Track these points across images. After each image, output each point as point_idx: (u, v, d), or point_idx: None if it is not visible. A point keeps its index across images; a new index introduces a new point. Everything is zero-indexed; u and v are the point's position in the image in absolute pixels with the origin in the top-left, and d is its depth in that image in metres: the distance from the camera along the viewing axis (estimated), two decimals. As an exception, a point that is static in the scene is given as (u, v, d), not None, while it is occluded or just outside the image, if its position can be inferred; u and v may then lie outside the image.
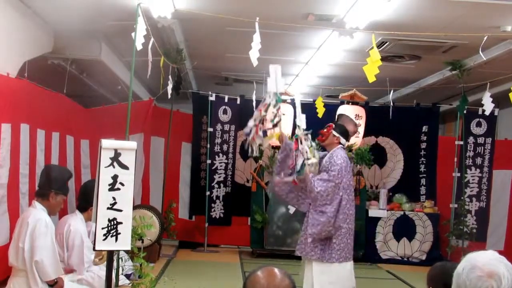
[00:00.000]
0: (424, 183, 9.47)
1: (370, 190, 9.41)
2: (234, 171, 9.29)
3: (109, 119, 7.73)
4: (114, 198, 4.08)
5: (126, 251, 5.09)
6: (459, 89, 8.45)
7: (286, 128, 5.23)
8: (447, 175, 9.07)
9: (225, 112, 9.08)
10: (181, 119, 9.32)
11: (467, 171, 8.83)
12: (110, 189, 4.07)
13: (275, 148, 8.18)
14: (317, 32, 6.94)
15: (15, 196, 5.52)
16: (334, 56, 8.34)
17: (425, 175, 9.46)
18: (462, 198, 8.71)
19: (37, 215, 4.65)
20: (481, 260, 1.88)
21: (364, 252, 8.75)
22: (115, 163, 4.09)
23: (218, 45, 8.01)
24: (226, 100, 9.11)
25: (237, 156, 9.36)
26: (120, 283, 5.40)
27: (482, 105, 7.64)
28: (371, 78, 5.06)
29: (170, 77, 7.45)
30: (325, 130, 5.40)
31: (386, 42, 7.28)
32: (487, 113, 7.76)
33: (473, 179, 8.87)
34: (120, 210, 4.10)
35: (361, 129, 8.83)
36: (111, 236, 4.08)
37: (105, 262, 4.53)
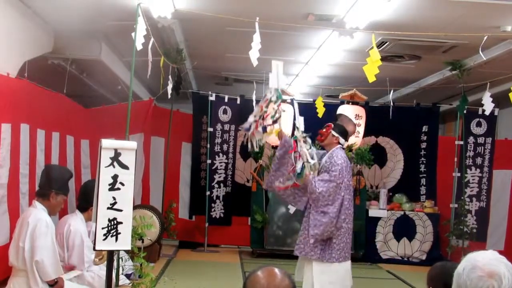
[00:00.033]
0: (424, 183, 9.47)
1: (370, 190, 9.41)
2: (234, 171, 9.29)
3: (109, 119, 7.73)
4: (114, 198, 4.08)
5: (126, 251, 5.10)
6: (459, 89, 8.45)
7: (285, 126, 5.22)
8: (447, 175, 9.07)
9: (225, 112, 9.08)
10: (181, 119, 9.32)
11: (467, 171, 8.83)
12: (110, 189, 4.07)
13: (275, 148, 8.17)
14: (317, 32, 6.94)
15: (15, 196, 5.52)
16: (334, 56, 8.34)
17: (425, 175, 9.46)
18: (462, 198, 8.71)
19: (37, 215, 4.65)
20: (481, 260, 1.88)
21: (364, 252, 8.76)
22: (115, 163, 4.09)
23: (218, 45, 8.01)
24: (226, 100, 9.11)
25: (237, 156, 9.36)
26: (120, 283, 5.40)
27: (482, 105, 7.64)
28: (371, 78, 5.06)
29: (170, 77, 7.45)
30: (324, 130, 5.40)
31: (386, 42, 7.27)
32: (487, 113, 7.76)
33: (473, 179, 8.87)
34: (120, 210, 4.10)
35: (361, 129, 8.83)
36: (111, 236, 4.08)
37: (105, 262, 4.54)
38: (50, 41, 6.92)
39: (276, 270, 1.97)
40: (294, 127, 5.21)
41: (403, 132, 9.44)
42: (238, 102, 9.13)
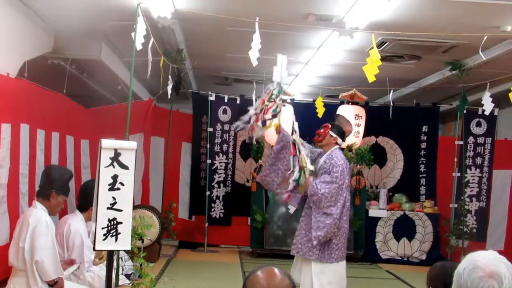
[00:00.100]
0: (424, 183, 9.47)
1: (370, 190, 9.41)
2: (234, 171, 9.29)
3: (109, 119, 7.72)
4: (114, 198, 4.08)
5: (126, 251, 5.10)
6: (459, 89, 8.45)
7: (284, 123, 5.20)
8: (447, 175, 9.07)
9: (225, 112, 9.08)
10: (181, 119, 9.32)
11: (467, 171, 8.83)
12: (110, 189, 4.08)
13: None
14: (317, 32, 6.94)
15: (15, 196, 5.52)
16: (334, 56, 8.34)
17: (425, 175, 9.46)
18: (462, 198, 8.71)
19: (38, 215, 4.65)
20: (482, 260, 1.88)
21: (364, 252, 8.76)
22: (115, 163, 4.09)
23: (218, 45, 8.01)
24: (226, 100, 9.11)
25: (237, 156, 9.36)
26: (120, 283, 5.40)
27: (482, 105, 7.64)
28: (371, 78, 5.06)
29: (170, 77, 7.45)
30: (322, 130, 5.39)
31: (386, 42, 7.28)
32: (487, 113, 7.76)
33: (473, 179, 8.87)
34: (120, 210, 4.10)
35: (361, 129, 8.84)
36: (111, 236, 4.08)
37: (105, 262, 4.54)
38: (50, 41, 6.92)
39: (276, 270, 1.97)
40: (292, 130, 5.19)
41: (403, 132, 9.44)
42: (238, 102, 9.13)
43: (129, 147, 4.18)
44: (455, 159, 8.91)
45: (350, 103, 8.93)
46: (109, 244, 4.10)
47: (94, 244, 4.16)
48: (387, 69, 7.73)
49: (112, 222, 4.08)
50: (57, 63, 7.68)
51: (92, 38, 7.42)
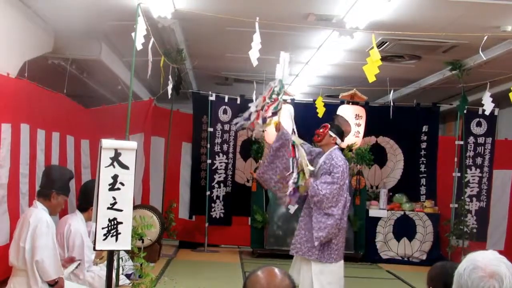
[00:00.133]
0: (424, 183, 9.47)
1: (370, 190, 9.41)
2: (234, 171, 9.30)
3: (109, 119, 7.73)
4: (114, 198, 4.09)
5: (127, 251, 5.10)
6: (459, 89, 8.45)
7: (284, 122, 5.20)
8: (447, 175, 9.07)
9: (225, 112, 9.08)
10: (181, 119, 9.32)
11: (467, 171, 8.83)
12: (110, 189, 4.08)
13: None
14: (317, 32, 6.94)
15: (15, 196, 5.52)
16: (334, 56, 8.34)
17: (425, 175, 9.46)
18: (462, 198, 8.71)
19: (38, 215, 4.65)
20: (482, 260, 1.88)
21: (364, 252, 8.76)
22: (115, 163, 4.09)
23: (218, 45, 8.01)
24: (226, 100, 9.11)
25: (237, 156, 9.36)
26: (120, 283, 5.41)
27: (482, 105, 7.64)
28: (371, 78, 5.06)
29: (170, 77, 7.45)
30: (321, 130, 5.38)
31: (386, 42, 7.28)
32: (487, 113, 7.76)
33: (473, 179, 8.87)
34: (120, 210, 4.10)
35: (361, 129, 8.84)
36: (111, 236, 4.09)
37: (105, 262, 4.54)
38: (50, 41, 6.92)
39: (276, 270, 1.97)
40: (292, 130, 5.19)
41: (403, 132, 9.44)
42: (238, 102, 9.13)
43: (129, 147, 4.18)
44: (455, 159, 8.91)
45: (350, 103, 8.93)
46: (109, 244, 4.10)
47: (94, 244, 4.16)
48: (387, 69, 7.73)
49: (112, 222, 4.08)
50: (57, 63, 7.69)
51: (92, 38, 7.42)
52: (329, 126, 5.39)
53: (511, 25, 6.16)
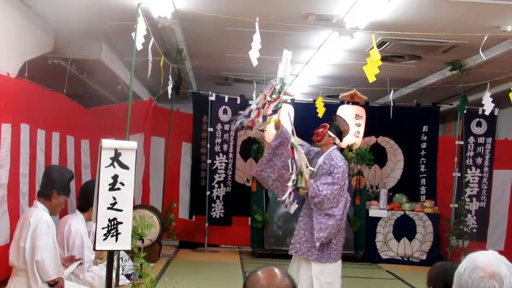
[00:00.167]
0: (424, 183, 9.47)
1: (370, 190, 9.41)
2: (234, 171, 9.30)
3: (109, 119, 7.73)
4: (114, 198, 4.09)
5: (127, 251, 5.10)
6: (459, 89, 8.45)
7: (283, 121, 5.20)
8: (447, 175, 9.07)
9: (225, 112, 9.08)
10: (181, 119, 9.32)
11: (467, 171, 8.83)
12: (110, 189, 4.08)
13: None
14: (317, 32, 6.94)
15: (15, 196, 5.52)
16: (334, 56, 8.34)
17: (425, 175, 9.46)
18: (462, 198, 8.71)
19: (39, 215, 4.65)
20: (482, 261, 1.88)
21: (364, 252, 8.76)
22: (115, 163, 4.10)
23: (218, 45, 8.01)
24: (226, 100, 9.11)
25: (237, 156, 9.36)
26: (120, 283, 5.41)
27: (482, 105, 7.64)
28: (371, 78, 5.06)
29: (170, 77, 7.45)
30: (320, 130, 5.38)
31: (386, 42, 7.28)
32: (487, 113, 7.76)
33: (473, 179, 8.87)
34: (121, 210, 4.10)
35: (361, 129, 8.83)
36: (111, 236, 4.09)
37: (105, 262, 4.54)
38: (50, 41, 6.92)
39: (276, 270, 1.97)
40: (291, 131, 5.18)
41: (403, 132, 9.44)
42: (238, 102, 9.13)
43: (129, 147, 4.19)
44: (456, 159, 8.91)
45: (350, 103, 8.93)
46: (109, 244, 4.10)
47: (94, 244, 4.16)
48: (387, 69, 7.73)
49: (112, 222, 4.08)
50: (57, 63, 7.69)
51: (92, 38, 7.42)
52: (328, 126, 5.38)
53: (511, 25, 6.16)
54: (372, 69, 5.02)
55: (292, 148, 4.95)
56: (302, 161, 4.97)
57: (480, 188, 8.89)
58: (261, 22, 5.32)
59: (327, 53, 8.01)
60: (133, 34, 5.09)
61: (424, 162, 9.45)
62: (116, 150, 4.09)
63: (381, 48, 7.26)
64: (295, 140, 5.01)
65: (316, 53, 8.09)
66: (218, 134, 9.04)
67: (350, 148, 8.60)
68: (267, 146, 8.58)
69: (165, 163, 9.13)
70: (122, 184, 4.09)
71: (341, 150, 8.07)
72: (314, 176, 5.24)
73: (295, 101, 9.23)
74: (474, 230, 8.77)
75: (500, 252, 1.95)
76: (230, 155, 9.17)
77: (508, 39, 6.72)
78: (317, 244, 5.08)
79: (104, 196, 4.07)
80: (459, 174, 8.89)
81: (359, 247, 8.71)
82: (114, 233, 4.08)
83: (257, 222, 8.59)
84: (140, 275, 5.26)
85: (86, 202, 5.42)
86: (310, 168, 5.04)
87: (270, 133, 7.15)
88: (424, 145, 9.47)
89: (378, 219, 8.93)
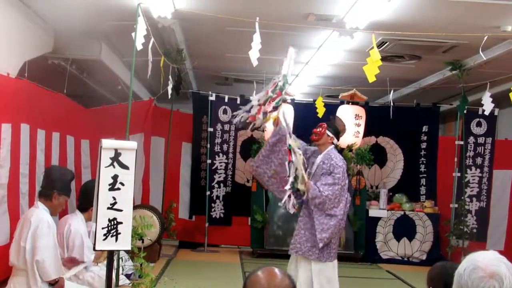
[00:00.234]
0: (424, 183, 9.47)
1: (370, 190, 9.41)
2: (234, 171, 9.30)
3: (109, 119, 7.73)
4: (114, 198, 4.09)
5: (126, 251, 5.10)
6: (459, 89, 8.45)
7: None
8: (447, 175, 9.07)
9: (225, 112, 9.08)
10: (181, 119, 9.32)
11: (467, 171, 8.83)
12: (110, 189, 4.08)
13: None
14: (317, 32, 6.94)
15: (15, 196, 5.52)
16: (334, 56, 8.34)
17: (425, 175, 9.46)
18: (462, 198, 8.71)
19: (39, 215, 4.66)
20: (482, 261, 1.88)
21: (364, 252, 8.76)
22: (115, 163, 4.09)
23: (218, 45, 8.01)
24: (226, 100, 9.11)
25: (237, 156, 9.36)
26: (120, 283, 5.40)
27: (482, 105, 7.64)
28: (371, 78, 5.06)
29: (170, 77, 7.45)
30: (318, 129, 5.37)
31: (386, 42, 7.28)
32: (486, 113, 7.76)
33: (473, 179, 8.87)
34: (120, 210, 4.10)
35: (361, 129, 8.84)
36: (111, 236, 4.09)
37: (105, 262, 4.54)
38: (50, 41, 6.92)
39: (276, 270, 1.97)
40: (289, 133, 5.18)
41: (403, 132, 9.44)
42: (238, 102, 9.10)
43: (129, 147, 4.18)
44: (455, 159, 8.91)
45: (350, 103, 8.93)
46: (109, 244, 4.10)
47: (94, 244, 4.16)
48: (387, 69, 7.73)
49: (112, 222, 4.08)
50: (57, 63, 7.69)
51: (92, 38, 7.42)
52: (326, 125, 5.38)
53: (511, 25, 6.17)
54: (372, 69, 5.02)
55: (290, 150, 4.94)
56: (300, 163, 4.96)
57: (480, 188, 8.89)
58: (261, 22, 5.32)
59: (327, 53, 8.01)
60: (133, 34, 5.09)
61: (424, 162, 9.45)
62: (116, 150, 4.09)
63: (381, 48, 7.27)
64: (293, 142, 5.00)
65: (316, 53, 8.09)
66: (218, 134, 9.04)
67: (350, 148, 8.59)
68: (265, 143, 8.61)
69: (165, 163, 9.13)
70: (122, 184, 4.09)
71: (341, 150, 8.10)
72: (312, 176, 5.24)
73: (295, 101, 9.23)
74: (474, 230, 8.77)
75: (500, 252, 1.95)
76: (230, 155, 9.17)
77: (508, 39, 6.72)
78: (320, 245, 5.09)
79: (104, 196, 4.07)
80: (459, 174, 8.89)
81: (359, 247, 8.71)
82: (114, 233, 4.08)
83: (257, 222, 8.60)
84: (140, 275, 5.26)
85: (86, 202, 5.42)
86: (304, 173, 5.03)
87: (269, 131, 7.15)
88: (424, 145, 9.47)
89: (378, 219, 8.93)
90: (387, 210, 8.95)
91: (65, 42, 7.20)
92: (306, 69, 9.28)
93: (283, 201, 5.02)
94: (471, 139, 8.87)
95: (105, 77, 8.81)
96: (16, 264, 4.65)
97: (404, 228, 8.92)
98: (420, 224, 8.91)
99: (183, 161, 9.48)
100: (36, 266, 4.55)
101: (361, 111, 8.88)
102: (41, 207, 4.74)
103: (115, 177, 4.08)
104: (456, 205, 8.81)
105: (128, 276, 6.02)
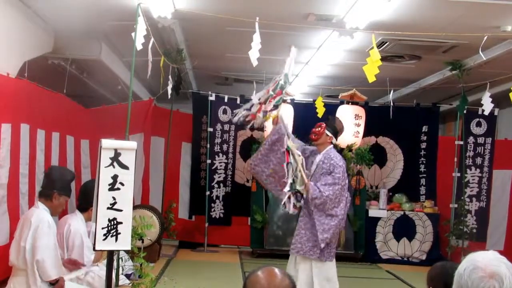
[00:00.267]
0: (424, 183, 9.46)
1: (370, 190, 9.41)
2: (234, 171, 9.29)
3: (109, 119, 7.73)
4: (114, 198, 4.08)
5: (126, 251, 5.09)
6: (459, 89, 8.45)
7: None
8: (447, 175, 9.07)
9: (225, 112, 9.08)
10: (181, 119, 9.32)
11: (467, 171, 8.83)
12: (110, 189, 4.07)
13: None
14: (317, 32, 6.94)
15: (15, 196, 5.52)
16: (334, 56, 8.34)
17: (425, 175, 9.46)
18: (462, 198, 8.71)
19: (40, 215, 4.66)
20: (482, 261, 1.88)
21: (364, 252, 8.76)
22: (115, 163, 4.09)
23: (218, 45, 8.01)
24: (226, 100, 9.11)
25: (237, 156, 9.36)
26: (120, 283, 5.40)
27: (482, 105, 7.64)
28: (371, 78, 5.06)
29: (170, 77, 7.45)
30: (317, 129, 5.37)
31: (386, 42, 7.28)
32: (486, 113, 7.76)
33: (473, 179, 8.87)
34: (120, 210, 4.10)
35: (361, 129, 8.84)
36: (111, 236, 4.08)
37: (105, 262, 4.54)
38: (50, 41, 6.92)
39: (276, 270, 1.97)
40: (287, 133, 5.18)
41: (403, 132, 9.44)
42: (238, 102, 9.11)
43: (129, 147, 4.18)
44: (455, 159, 8.91)
45: (350, 103, 8.93)
46: (109, 244, 4.10)
47: (94, 244, 4.16)
48: (387, 69, 7.73)
49: (112, 222, 4.08)
50: (57, 63, 7.69)
51: (92, 38, 7.42)
52: (325, 125, 5.38)
53: (511, 25, 6.17)
54: (372, 69, 5.02)
55: (288, 151, 4.94)
56: (300, 164, 4.96)
57: (480, 188, 8.89)
58: (261, 22, 5.32)
59: (327, 53, 8.01)
60: (133, 34, 5.09)
61: (424, 162, 9.45)
62: (116, 150, 4.09)
63: (381, 48, 7.26)
64: (291, 144, 4.99)
65: (316, 53, 8.09)
66: (218, 134, 9.04)
67: (349, 148, 8.60)
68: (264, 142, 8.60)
69: (165, 163, 9.13)
70: (122, 184, 4.09)
71: (341, 150, 8.10)
72: (312, 176, 5.24)
73: (295, 101, 9.23)
74: (474, 230, 8.77)
75: (500, 252, 1.95)
76: (230, 155, 9.17)
77: (508, 39, 6.72)
78: (322, 245, 5.09)
79: (104, 196, 4.07)
80: (459, 174, 8.89)
81: (359, 247, 8.70)
82: (114, 233, 4.08)
83: (257, 222, 8.59)
84: (140, 275, 5.26)
85: (86, 202, 5.42)
86: (298, 173, 5.02)
87: (269, 130, 7.15)
88: (424, 145, 9.47)
89: (378, 219, 8.92)
90: (387, 210, 8.95)
91: (65, 42, 7.19)
92: (306, 69, 9.27)
93: (282, 203, 5.02)
94: (471, 139, 8.87)
95: (105, 77, 8.81)
96: (16, 264, 4.65)
97: (404, 228, 8.91)
98: (420, 224, 8.91)
99: (183, 161, 9.48)
100: (36, 266, 4.55)
101: (361, 111, 8.88)
102: (41, 207, 4.75)
103: (115, 177, 4.08)
104: (456, 205, 8.81)
105: (128, 276, 6.02)
